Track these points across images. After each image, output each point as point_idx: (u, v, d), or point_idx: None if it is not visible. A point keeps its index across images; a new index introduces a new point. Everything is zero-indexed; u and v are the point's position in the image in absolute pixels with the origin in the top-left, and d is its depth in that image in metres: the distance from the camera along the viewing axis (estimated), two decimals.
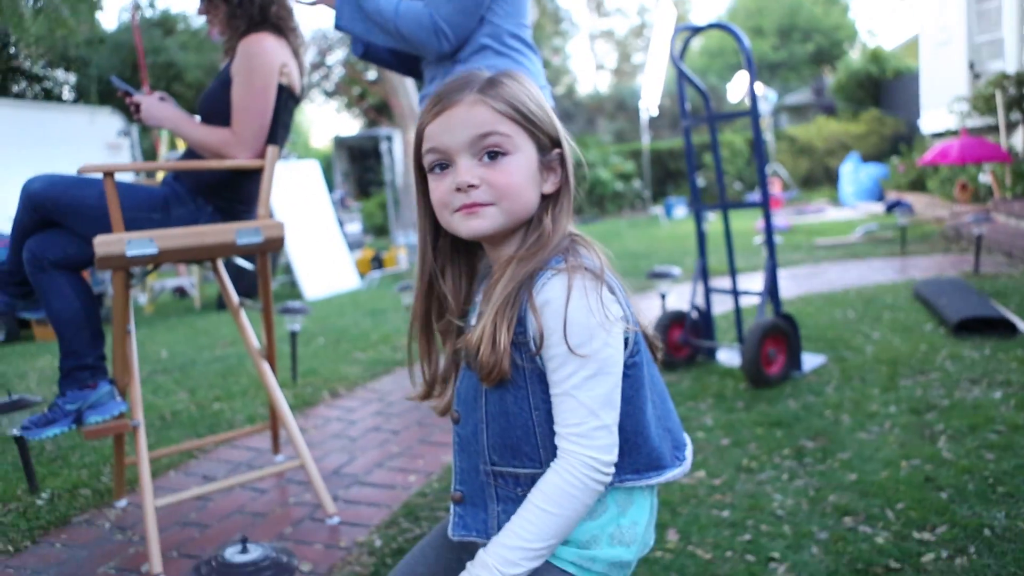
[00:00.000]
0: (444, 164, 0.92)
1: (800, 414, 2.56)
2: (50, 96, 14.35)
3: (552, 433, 0.89)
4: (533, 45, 1.73)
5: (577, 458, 0.86)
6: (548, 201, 0.95)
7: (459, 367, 1.00)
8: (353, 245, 8.31)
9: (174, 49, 14.05)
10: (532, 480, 0.90)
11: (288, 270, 7.32)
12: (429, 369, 1.02)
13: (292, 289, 7.12)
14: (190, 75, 13.96)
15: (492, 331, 0.87)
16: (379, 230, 13.66)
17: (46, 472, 2.55)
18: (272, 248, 2.07)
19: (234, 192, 2.08)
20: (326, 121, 38.90)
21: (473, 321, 0.97)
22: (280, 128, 2.06)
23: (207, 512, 2.21)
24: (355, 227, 8.78)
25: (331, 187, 16.97)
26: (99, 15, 14.41)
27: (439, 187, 0.92)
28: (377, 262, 8.08)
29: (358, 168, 17.04)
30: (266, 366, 2.20)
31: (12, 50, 13.17)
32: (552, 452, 0.89)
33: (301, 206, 7.10)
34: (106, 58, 13.89)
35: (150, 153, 11.37)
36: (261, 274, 2.19)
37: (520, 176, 0.91)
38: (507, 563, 0.86)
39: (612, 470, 0.88)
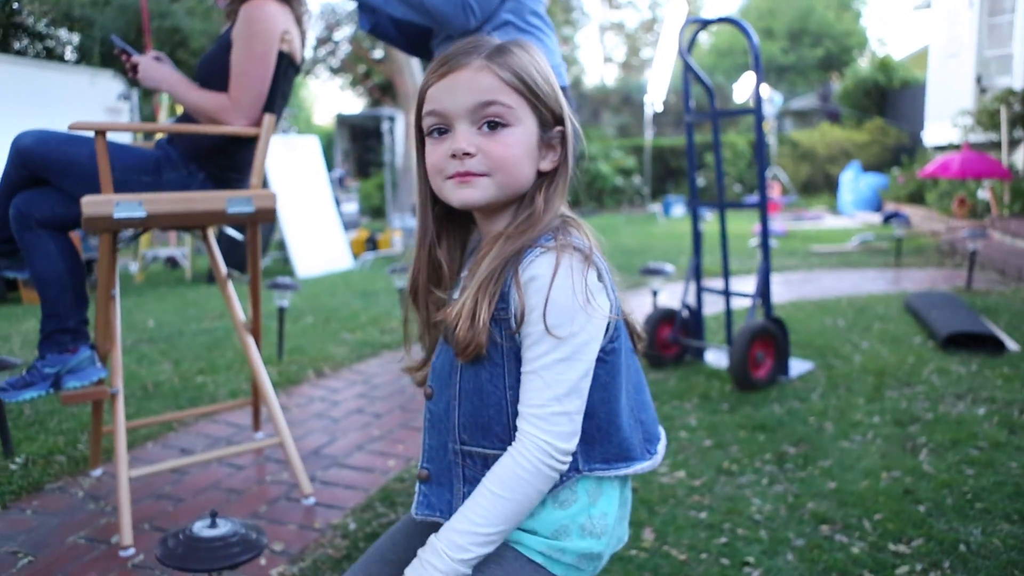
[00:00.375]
0: (443, 129, 0.90)
1: (784, 419, 2.56)
2: (52, 55, 14.21)
3: None
4: (550, 23, 1.73)
5: (533, 442, 0.84)
6: (543, 179, 0.93)
7: (436, 341, 0.98)
8: (348, 225, 8.26)
9: (180, 14, 13.91)
10: None
11: (281, 246, 7.29)
12: (431, 340, 0.99)
13: (285, 265, 7.08)
14: (195, 42, 13.83)
15: (472, 306, 0.85)
16: (376, 211, 13.60)
17: (22, 436, 2.53)
18: (263, 219, 2.04)
19: (228, 159, 2.04)
20: (330, 98, 38.71)
21: (456, 295, 0.95)
22: (278, 96, 2.03)
23: (183, 486, 2.20)
24: (352, 207, 8.73)
25: (331, 165, 16.88)
26: None
27: (435, 151, 0.90)
28: (371, 243, 8.04)
29: (359, 147, 16.95)
30: (250, 340, 2.18)
31: (15, 6, 13.03)
32: None
33: (298, 182, 7.06)
34: (111, 20, 13.73)
35: (150, 118, 11.27)
36: (250, 245, 2.16)
37: (518, 149, 0.88)
38: (456, 548, 0.84)
39: (568, 459, 0.86)
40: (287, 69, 1.99)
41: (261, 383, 2.15)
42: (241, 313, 2.18)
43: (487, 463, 0.89)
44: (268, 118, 1.99)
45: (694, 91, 15.30)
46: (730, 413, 2.65)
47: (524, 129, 0.89)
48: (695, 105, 4.39)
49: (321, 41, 20.04)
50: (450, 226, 0.99)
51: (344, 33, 19.40)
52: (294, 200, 6.89)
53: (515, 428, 0.87)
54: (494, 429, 0.89)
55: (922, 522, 1.80)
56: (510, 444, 0.87)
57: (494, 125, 0.88)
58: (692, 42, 3.22)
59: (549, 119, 0.92)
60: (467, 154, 0.87)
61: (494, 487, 0.85)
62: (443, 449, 0.93)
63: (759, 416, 2.59)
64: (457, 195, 0.89)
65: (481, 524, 0.84)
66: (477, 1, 1.58)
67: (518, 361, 0.86)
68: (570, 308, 0.82)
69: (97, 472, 2.27)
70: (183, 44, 13.90)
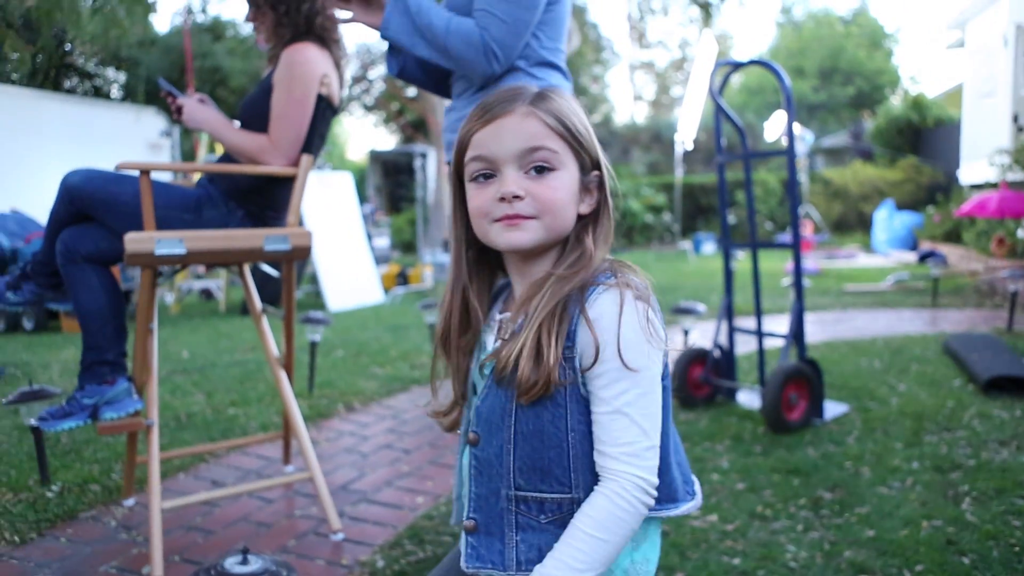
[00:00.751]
0: (488, 173, 0.92)
1: (819, 463, 2.50)
2: (99, 93, 14.72)
3: (584, 456, 0.87)
4: (565, 70, 1.72)
5: (628, 479, 0.84)
6: (586, 222, 0.95)
7: (468, 384, 0.98)
8: (380, 260, 8.37)
9: (221, 54, 14.36)
10: (558, 507, 0.88)
11: (314, 280, 7.38)
12: (459, 384, 1.00)
13: (316, 299, 7.17)
14: (234, 80, 14.24)
15: (535, 344, 0.85)
16: (407, 246, 13.74)
17: (59, 465, 2.57)
18: (299, 256, 2.07)
19: (266, 198, 2.09)
20: (363, 134, 39.47)
21: (489, 339, 0.96)
22: (316, 138, 2.08)
23: (213, 518, 2.21)
24: (383, 242, 8.85)
25: (363, 200, 17.17)
26: (152, 17, 14.78)
27: (481, 196, 0.92)
28: (402, 278, 8.11)
29: (391, 183, 17.19)
30: (283, 374, 2.20)
31: (68, 47, 13.55)
32: (582, 477, 0.87)
33: (332, 217, 7.17)
34: (156, 59, 14.22)
35: (189, 155, 11.58)
36: (286, 282, 2.20)
37: (564, 193, 0.91)
38: None
39: (656, 494, 0.86)
40: (325, 111, 2.05)
41: (292, 417, 2.17)
42: (275, 347, 2.21)
43: (543, 508, 0.88)
44: (306, 159, 2.04)
45: (725, 131, 15.34)
46: (763, 456, 2.60)
47: (568, 173, 0.92)
48: (727, 144, 4.41)
49: (356, 79, 20.48)
50: (480, 270, 1.00)
51: (378, 71, 19.81)
52: (327, 235, 7.00)
53: (575, 470, 0.87)
54: (554, 472, 0.88)
55: (967, 575, 1.74)
56: (569, 486, 0.87)
57: (541, 169, 0.90)
58: (724, 84, 3.24)
59: (588, 163, 0.94)
60: (516, 197, 0.89)
61: (590, 529, 0.84)
62: (494, 497, 0.91)
63: (793, 459, 2.54)
64: (504, 238, 0.91)
65: (580, 568, 0.83)
66: (501, 48, 1.57)
67: (579, 402, 0.87)
68: (640, 342, 0.85)
69: (130, 502, 2.29)
70: (223, 83, 14.32)
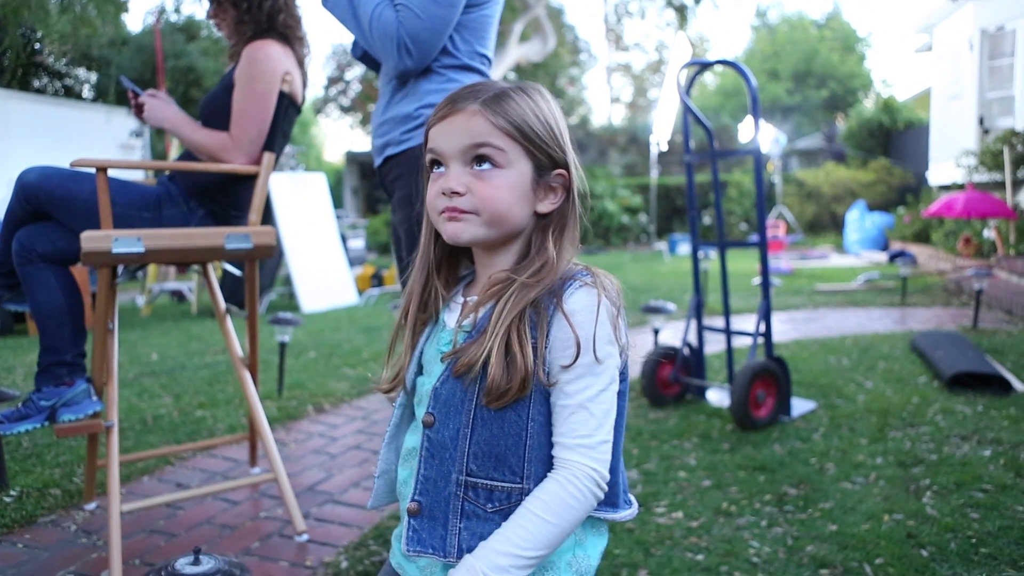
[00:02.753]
0: (439, 164, 0.94)
1: (785, 460, 2.52)
2: (70, 93, 14.49)
3: (540, 448, 0.88)
4: (487, 75, 1.69)
5: (582, 469, 0.86)
6: (549, 224, 0.95)
7: (414, 357, 0.99)
8: (355, 261, 8.30)
9: (195, 54, 14.20)
10: (507, 496, 0.88)
11: (288, 281, 7.31)
12: (409, 361, 1.01)
13: (291, 300, 7.11)
14: (208, 81, 14.10)
15: (503, 349, 0.86)
16: (382, 248, 13.68)
17: (18, 469, 2.52)
18: (261, 255, 2.05)
19: (227, 197, 2.07)
20: (340, 136, 39.23)
21: (450, 318, 0.97)
22: (279, 136, 2.06)
23: (176, 521, 2.17)
24: (358, 243, 8.78)
25: (340, 202, 17.08)
26: (124, 17, 14.58)
27: (432, 188, 0.95)
28: (377, 279, 8.07)
29: (368, 185, 17.12)
30: (247, 375, 2.17)
31: (36, 46, 13.33)
32: (535, 468, 0.88)
33: (305, 218, 7.11)
34: (128, 59, 14.04)
35: (162, 155, 11.44)
36: (248, 281, 2.17)
37: (506, 191, 0.91)
38: (496, 568, 0.83)
39: (606, 489, 0.88)
40: (288, 109, 2.03)
41: (256, 418, 2.14)
42: (239, 348, 2.18)
43: (491, 496, 0.88)
44: (268, 157, 2.01)
45: (695, 132, 15.46)
46: (730, 453, 2.62)
47: (515, 171, 0.92)
48: (695, 146, 4.42)
49: (332, 80, 20.36)
50: (447, 255, 1.02)
51: (355, 73, 19.70)
52: (301, 236, 6.94)
53: (529, 460, 0.88)
54: (508, 460, 0.88)
55: (925, 567, 1.76)
56: (521, 476, 0.88)
57: (484, 165, 0.91)
58: (691, 84, 3.26)
59: (546, 162, 0.94)
60: (455, 192, 0.91)
61: (539, 511, 0.85)
62: (443, 480, 0.91)
63: (760, 456, 2.56)
64: (445, 230, 0.93)
65: (525, 547, 0.84)
66: (415, 44, 1.54)
67: (541, 391, 0.88)
68: (610, 339, 0.88)
69: (91, 506, 2.25)
70: (197, 83, 14.17)
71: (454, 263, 1.03)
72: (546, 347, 0.87)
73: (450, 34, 1.61)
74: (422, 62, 1.57)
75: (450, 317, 0.98)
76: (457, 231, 0.92)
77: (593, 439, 0.86)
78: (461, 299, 1.00)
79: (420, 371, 1.00)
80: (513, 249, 0.95)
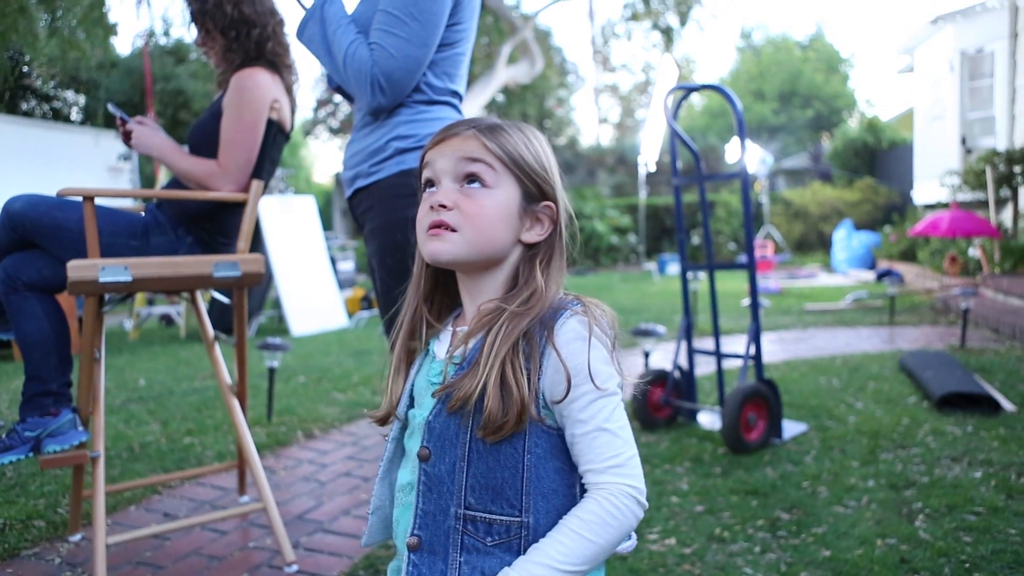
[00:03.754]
0: (432, 184, 0.97)
1: (777, 483, 2.51)
2: (58, 116, 14.47)
3: (538, 480, 0.88)
4: (458, 108, 1.70)
5: (619, 488, 0.86)
6: (536, 254, 0.97)
7: (406, 389, 0.99)
8: (344, 283, 8.28)
9: (184, 77, 14.23)
10: (506, 529, 0.88)
11: (277, 304, 7.28)
12: (401, 393, 1.01)
13: (280, 324, 7.07)
14: (197, 104, 14.12)
15: (498, 381, 0.86)
16: (373, 270, 13.65)
17: (2, 500, 2.47)
18: (250, 283, 2.04)
19: (215, 224, 2.06)
20: (330, 157, 39.30)
21: (439, 348, 0.98)
22: (267, 163, 2.06)
23: (163, 552, 2.14)
24: (348, 265, 8.76)
25: (330, 223, 17.07)
26: (113, 40, 14.60)
27: (423, 206, 0.96)
28: (367, 302, 8.04)
29: (347, 204, 17.07)
30: (235, 403, 2.15)
31: (24, 69, 13.32)
32: (534, 501, 0.88)
33: (294, 242, 7.10)
34: (117, 82, 14.04)
35: (150, 178, 11.41)
36: (237, 309, 2.16)
37: (492, 211, 0.93)
38: None
39: (647, 504, 0.88)
40: (276, 136, 2.03)
41: (245, 446, 2.12)
42: (227, 376, 2.16)
43: (491, 530, 0.88)
44: (256, 184, 2.01)
45: (682, 154, 15.58)
46: (722, 477, 2.61)
47: (503, 193, 0.95)
48: (683, 167, 4.45)
49: (321, 103, 20.43)
50: (439, 288, 1.03)
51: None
52: (290, 259, 6.92)
53: (527, 493, 0.88)
54: (506, 493, 0.88)
55: None
56: (520, 510, 0.88)
57: (473, 182, 0.94)
58: (678, 107, 3.28)
59: (535, 192, 0.97)
60: (443, 206, 0.93)
61: (578, 528, 0.84)
62: (441, 514, 0.91)
63: (752, 480, 2.55)
64: (428, 246, 0.95)
65: (562, 562, 0.83)
66: (389, 83, 1.55)
67: (536, 424, 0.89)
68: (607, 361, 0.89)
69: (76, 537, 2.21)
70: (186, 106, 14.18)
71: (446, 295, 1.04)
72: (539, 378, 0.88)
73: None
74: (395, 100, 1.58)
75: (439, 348, 0.99)
76: (437, 250, 0.93)
77: (622, 456, 0.87)
78: (451, 329, 1.00)
79: (412, 403, 0.99)
80: (499, 279, 0.96)
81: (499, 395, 0.86)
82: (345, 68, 1.58)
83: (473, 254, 0.94)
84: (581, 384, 0.87)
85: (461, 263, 0.95)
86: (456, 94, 1.69)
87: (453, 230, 0.93)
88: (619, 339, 0.92)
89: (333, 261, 8.00)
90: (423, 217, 0.95)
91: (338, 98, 20.21)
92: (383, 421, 1.01)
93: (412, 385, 1.00)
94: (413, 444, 0.95)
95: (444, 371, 0.94)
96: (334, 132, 21.49)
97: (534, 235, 0.97)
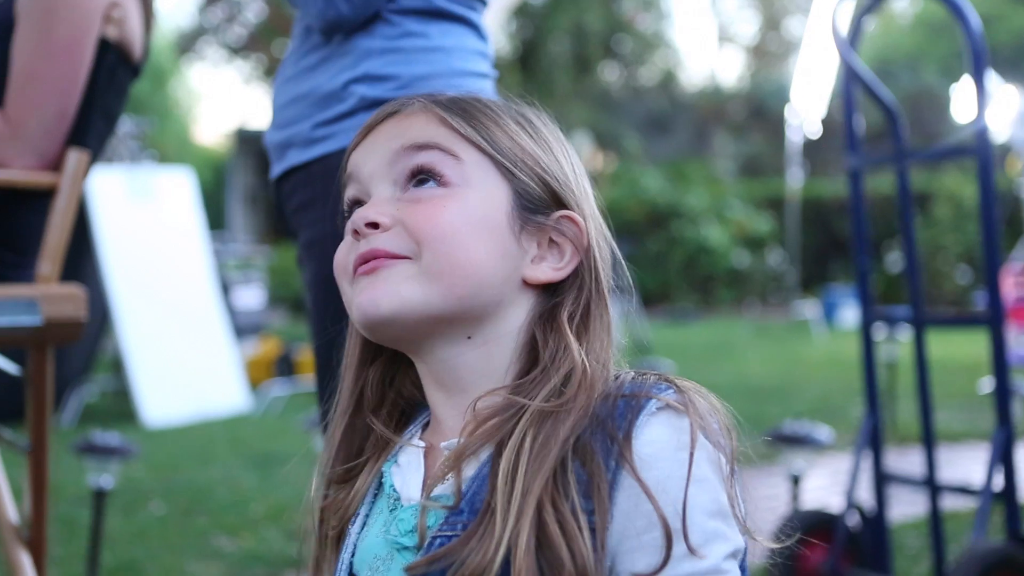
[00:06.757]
0: (360, 202, 1.02)
1: None
2: None
3: None
4: (479, 27, 1.76)
5: None
6: (559, 305, 0.99)
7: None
8: (245, 330, 8.35)
9: None
10: None
11: (118, 368, 7.33)
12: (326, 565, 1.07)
13: (123, 405, 7.12)
14: None
15: (533, 543, 0.87)
16: (296, 303, 13.77)
17: None
18: (58, 338, 2.05)
19: None
20: (226, 98, 39.85)
21: (399, 483, 1.01)
22: (96, 118, 2.07)
23: None
24: (252, 296, 8.85)
25: (221, 219, 17.26)
26: None
27: (342, 245, 1.02)
28: (285, 364, 8.09)
29: (271, 191, 17.33)
30: (24, 558, 2.15)
31: None
32: None
33: (153, 254, 7.18)
34: None
35: None
36: (33, 384, 2.16)
37: (459, 217, 0.97)
38: None
39: None
40: (115, 70, 2.05)
41: None
42: (10, 507, 2.17)
43: None
44: (76, 157, 2.02)
45: (867, 111, 15.30)
46: None
47: (478, 194, 0.98)
48: (867, 135, 4.43)
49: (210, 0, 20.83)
50: (387, 386, 1.07)
51: None
52: (145, 289, 7.02)
53: None
54: None
55: None
56: None
57: (424, 182, 0.97)
58: (858, 26, 3.28)
59: (538, 194, 1.00)
60: (372, 224, 0.96)
61: None
62: None
63: None
64: (359, 300, 0.97)
65: None
66: None
67: None
68: (716, 508, 0.90)
69: None
70: None
71: (403, 386, 1.08)
72: (607, 529, 0.89)
73: None
74: (357, 13, 1.61)
75: (404, 480, 1.01)
76: (376, 297, 0.96)
77: None
78: (420, 445, 1.03)
79: None
80: (496, 354, 1.00)
81: (536, 570, 0.87)
82: None
83: (439, 300, 0.95)
84: (674, 546, 0.87)
85: (420, 319, 0.96)
86: (440, 12, 1.71)
87: (398, 257, 0.95)
88: (739, 457, 0.94)
89: (226, 289, 8.09)
90: (345, 256, 0.99)
91: None
92: None
93: (353, 554, 1.02)
94: None
95: (420, 524, 0.94)
96: (234, 52, 21.87)
97: (547, 269, 1.00)
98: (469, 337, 0.98)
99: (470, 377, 0.99)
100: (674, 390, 0.93)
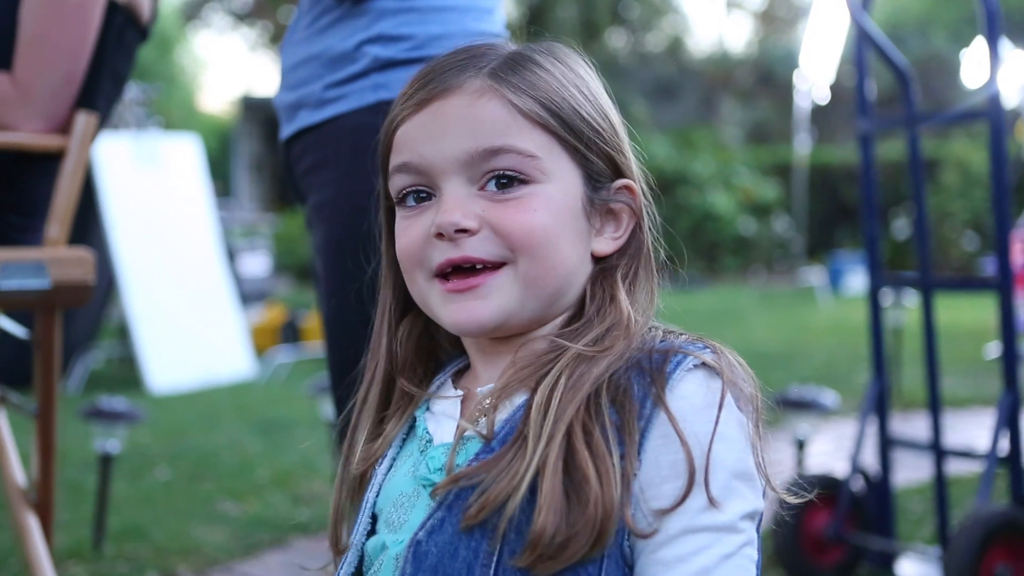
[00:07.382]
0: (423, 192, 1.00)
1: None
2: None
3: None
4: None
5: None
6: (614, 267, 1.02)
7: (366, 506, 1.04)
8: (250, 297, 8.35)
9: None
10: None
11: (124, 335, 7.34)
12: (352, 508, 1.07)
13: (128, 370, 7.13)
14: None
15: (560, 468, 0.88)
16: (301, 271, 13.76)
17: None
18: (67, 301, 2.06)
19: (6, 193, 2.08)
20: (231, 65, 39.78)
21: (432, 425, 1.03)
22: (106, 81, 2.07)
23: None
24: (257, 264, 8.84)
25: (228, 186, 17.25)
26: None
27: (410, 230, 1.00)
28: (290, 331, 8.08)
29: (280, 154, 17.31)
30: (31, 521, 2.16)
31: None
32: None
33: (158, 221, 7.17)
34: None
35: None
36: (42, 349, 2.17)
37: (550, 219, 0.97)
38: None
39: None
40: (123, 33, 2.04)
41: None
42: (18, 470, 2.18)
43: None
44: (84, 120, 2.02)
45: (879, 73, 15.29)
46: None
47: (558, 188, 0.98)
48: (878, 99, 4.42)
49: None
50: (418, 345, 1.09)
51: None
52: (151, 255, 7.04)
53: None
54: None
55: None
56: None
57: (507, 183, 0.96)
58: None
59: (603, 168, 1.01)
60: (463, 230, 0.95)
61: None
62: None
63: None
64: (453, 314, 0.97)
65: None
66: None
67: (620, 549, 0.90)
68: (740, 468, 0.92)
69: None
70: None
71: (421, 357, 1.09)
72: (637, 467, 0.90)
73: None
74: None
75: (439, 424, 1.03)
76: (477, 315, 0.96)
77: None
78: (453, 392, 1.05)
79: (374, 527, 1.03)
80: (551, 314, 1.02)
81: (562, 493, 0.87)
82: None
83: (534, 304, 0.98)
84: (694, 497, 0.88)
85: (517, 324, 0.98)
86: None
87: (494, 264, 0.95)
88: (762, 419, 0.97)
89: (231, 256, 8.08)
90: (419, 251, 0.98)
91: None
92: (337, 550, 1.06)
93: (378, 493, 1.03)
94: None
95: (449, 461, 0.95)
96: (239, 19, 21.79)
97: (609, 242, 1.03)
98: (542, 322, 1.01)
99: (520, 333, 1.01)
100: (711, 351, 0.95)
